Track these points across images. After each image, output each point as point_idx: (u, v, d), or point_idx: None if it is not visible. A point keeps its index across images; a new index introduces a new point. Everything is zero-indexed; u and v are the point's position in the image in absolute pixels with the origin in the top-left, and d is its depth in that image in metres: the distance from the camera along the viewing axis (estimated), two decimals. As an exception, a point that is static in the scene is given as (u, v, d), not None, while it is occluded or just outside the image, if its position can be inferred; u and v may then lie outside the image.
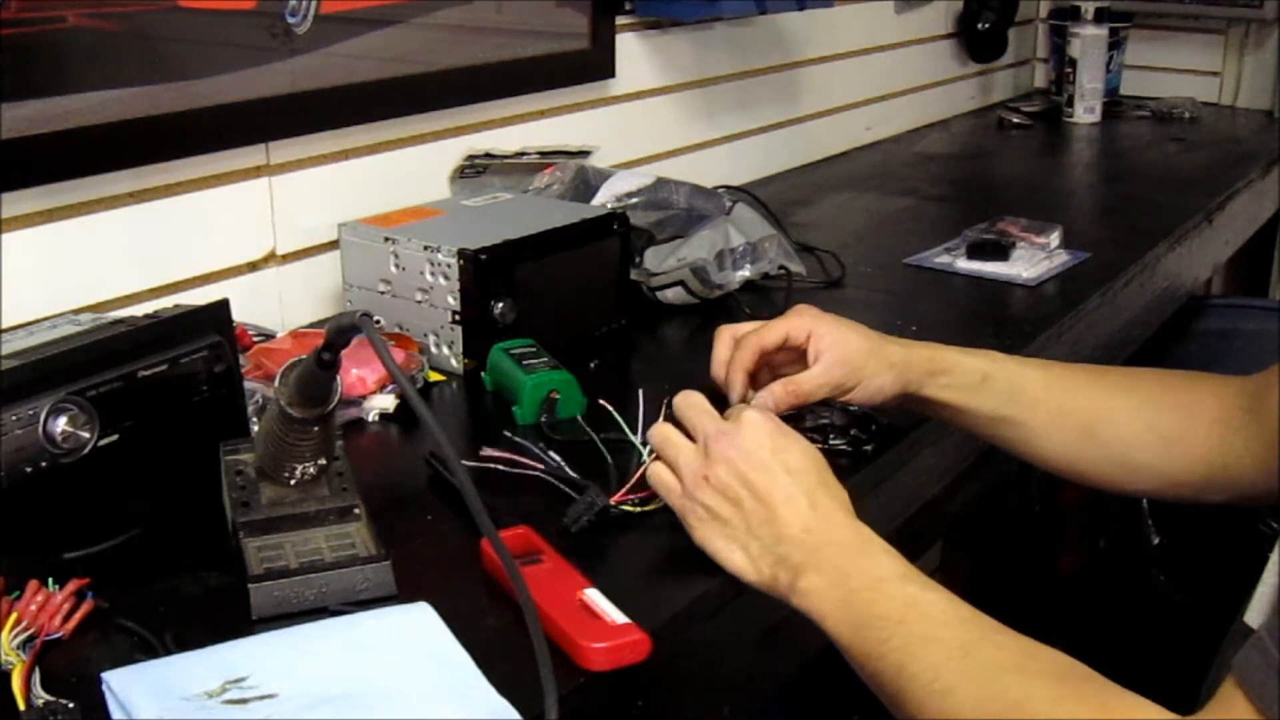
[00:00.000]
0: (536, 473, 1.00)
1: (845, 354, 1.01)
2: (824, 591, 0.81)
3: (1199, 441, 0.98)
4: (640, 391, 1.07)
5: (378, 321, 1.26)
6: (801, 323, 1.03)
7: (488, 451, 1.02)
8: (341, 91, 1.36)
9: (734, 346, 1.05)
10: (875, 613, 0.79)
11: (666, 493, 0.91)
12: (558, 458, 1.02)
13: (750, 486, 0.87)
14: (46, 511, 0.87)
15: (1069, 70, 2.64)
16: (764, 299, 1.46)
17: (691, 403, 0.93)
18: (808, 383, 1.00)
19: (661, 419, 0.95)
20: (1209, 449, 0.98)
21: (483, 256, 1.20)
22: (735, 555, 0.87)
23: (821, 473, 0.88)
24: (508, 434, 1.05)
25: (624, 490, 0.96)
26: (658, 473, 0.92)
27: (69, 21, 1.12)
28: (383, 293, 1.28)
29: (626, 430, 1.03)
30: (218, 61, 1.25)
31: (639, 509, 0.96)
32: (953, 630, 0.77)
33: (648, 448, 0.99)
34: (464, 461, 0.93)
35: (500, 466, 1.01)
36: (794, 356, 1.05)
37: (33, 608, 0.80)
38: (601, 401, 1.07)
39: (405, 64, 1.44)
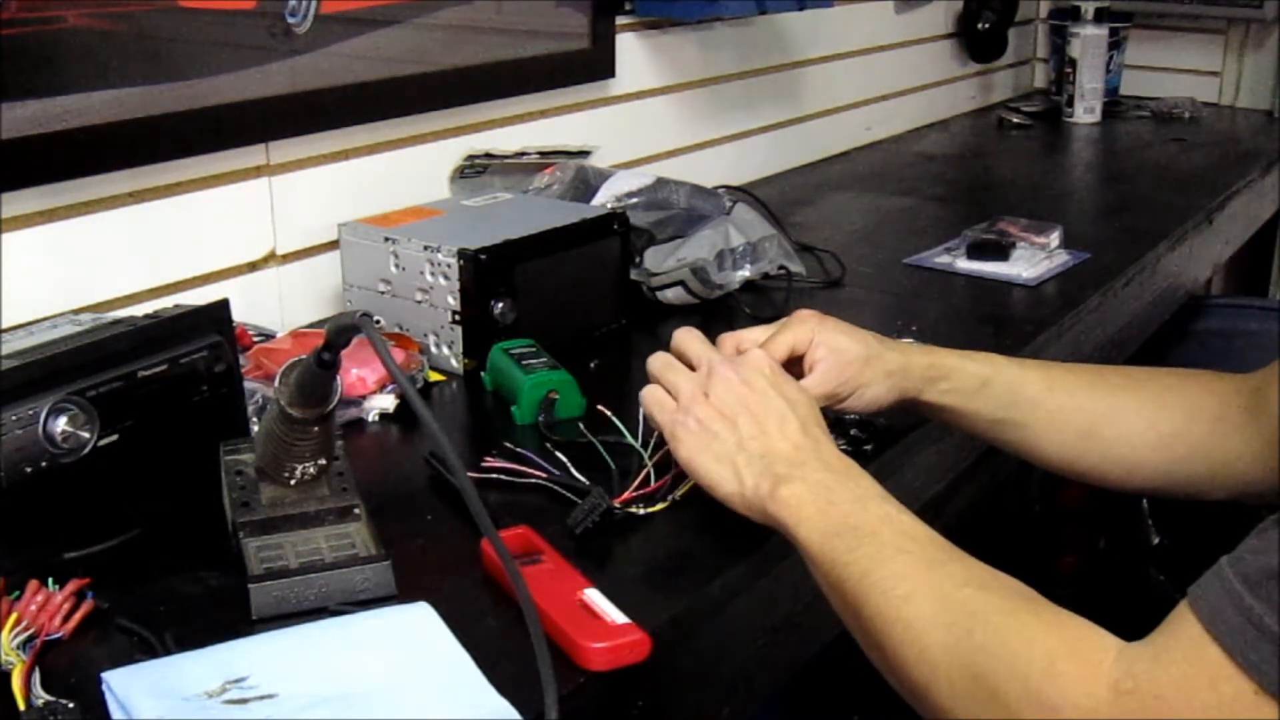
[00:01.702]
0: (539, 480, 1.00)
1: (841, 364, 1.01)
2: (803, 498, 0.84)
3: (1200, 440, 0.98)
4: (640, 397, 1.07)
5: (378, 321, 1.26)
6: (805, 330, 1.03)
7: (490, 462, 1.01)
8: (341, 91, 1.36)
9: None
10: (850, 524, 0.81)
11: (659, 409, 0.94)
12: (563, 458, 1.01)
13: (746, 405, 0.90)
14: (46, 511, 0.87)
15: (1069, 70, 2.64)
16: (764, 299, 1.46)
17: (694, 336, 0.99)
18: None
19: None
20: (1210, 447, 0.98)
21: (483, 256, 1.20)
22: (720, 469, 0.89)
23: (814, 410, 0.92)
24: (509, 444, 1.05)
25: (628, 491, 0.96)
26: (653, 392, 0.95)
27: (69, 21, 1.12)
28: (383, 293, 1.28)
29: (626, 434, 1.03)
30: (218, 61, 1.25)
31: (643, 510, 0.95)
32: (922, 546, 0.79)
33: (648, 451, 0.99)
34: (471, 474, 0.93)
35: (502, 477, 1.00)
36: (793, 360, 1.05)
37: (33, 608, 0.80)
38: (600, 407, 1.06)
39: (405, 64, 1.44)
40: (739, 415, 0.90)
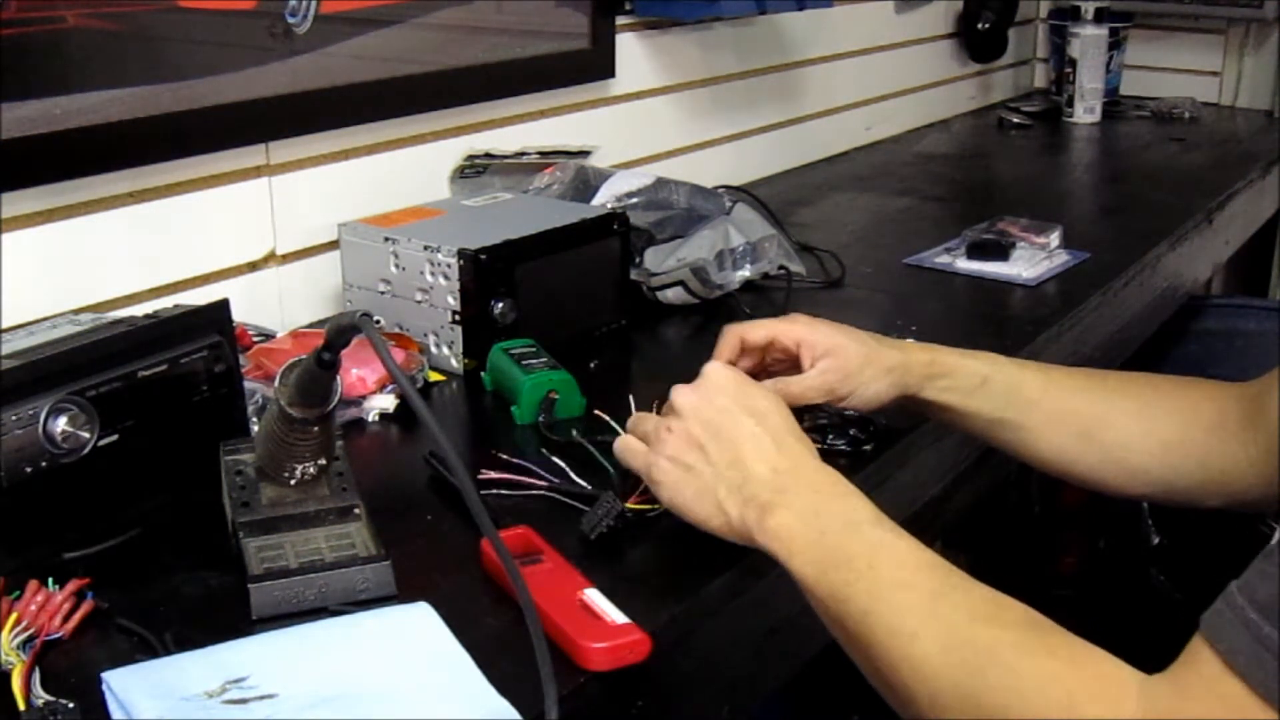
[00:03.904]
0: (539, 491, 0.99)
1: (841, 361, 1.01)
2: (793, 529, 0.81)
3: (1197, 446, 0.98)
4: (631, 398, 1.07)
5: (378, 321, 1.26)
6: (793, 330, 1.03)
7: (487, 474, 1.00)
8: (341, 91, 1.36)
9: (739, 347, 1.05)
10: (844, 555, 0.78)
11: (631, 456, 0.91)
12: (561, 464, 1.01)
13: (713, 429, 0.86)
14: (46, 511, 0.87)
15: (1069, 70, 2.65)
16: (764, 299, 1.46)
17: (642, 415, 0.96)
18: (796, 385, 1.00)
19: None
20: (1207, 454, 0.98)
21: (483, 256, 1.20)
22: (703, 506, 0.86)
23: (786, 419, 0.88)
24: (505, 454, 1.04)
25: (637, 494, 0.95)
26: (624, 442, 0.93)
27: (69, 21, 1.12)
28: (383, 293, 1.28)
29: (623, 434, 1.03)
30: (218, 61, 1.25)
31: (654, 508, 0.94)
32: (922, 576, 0.76)
33: None
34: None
35: (501, 490, 0.99)
36: (788, 365, 1.05)
37: (33, 608, 0.80)
38: (598, 412, 1.06)
39: (405, 64, 1.44)
40: (707, 442, 0.86)
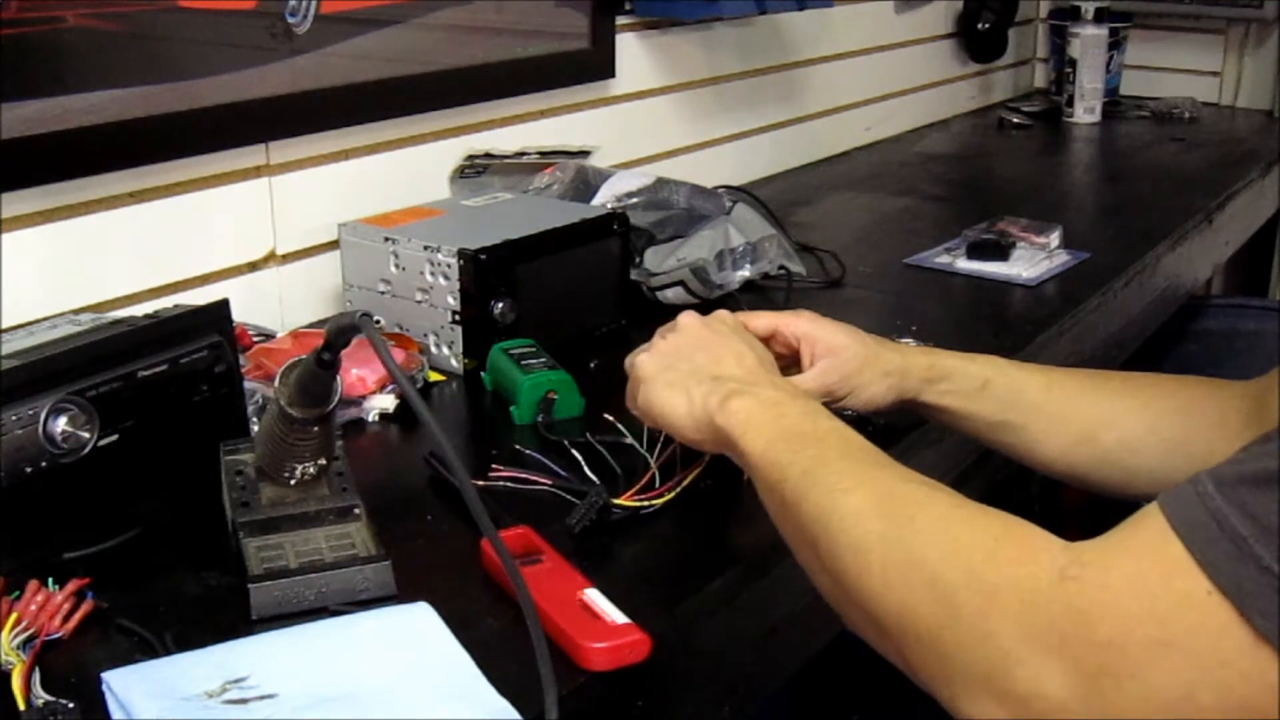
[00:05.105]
0: (546, 487, 0.99)
1: (840, 361, 1.02)
2: (751, 409, 0.85)
3: (1199, 446, 0.98)
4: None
5: (378, 321, 1.26)
6: (797, 324, 1.03)
7: (498, 471, 1.01)
8: (341, 91, 1.36)
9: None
10: (795, 432, 0.82)
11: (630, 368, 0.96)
12: (578, 456, 1.02)
13: (701, 342, 0.94)
14: (46, 511, 0.87)
15: (1069, 70, 2.65)
16: (764, 299, 1.46)
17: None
18: (797, 385, 1.00)
19: None
20: (1209, 454, 0.97)
21: (483, 256, 1.20)
22: (671, 394, 0.90)
23: (771, 358, 0.96)
24: (517, 446, 1.05)
25: (629, 493, 0.95)
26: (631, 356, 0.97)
27: (69, 21, 1.12)
28: (383, 293, 1.28)
29: (630, 437, 1.02)
30: (218, 61, 1.25)
31: (640, 502, 0.95)
32: (867, 454, 0.79)
33: (654, 454, 0.99)
34: (475, 481, 0.93)
35: (510, 484, 1.00)
36: (788, 360, 1.05)
37: (33, 608, 0.80)
38: (608, 416, 1.06)
39: (405, 64, 1.44)
40: (695, 351, 0.92)
